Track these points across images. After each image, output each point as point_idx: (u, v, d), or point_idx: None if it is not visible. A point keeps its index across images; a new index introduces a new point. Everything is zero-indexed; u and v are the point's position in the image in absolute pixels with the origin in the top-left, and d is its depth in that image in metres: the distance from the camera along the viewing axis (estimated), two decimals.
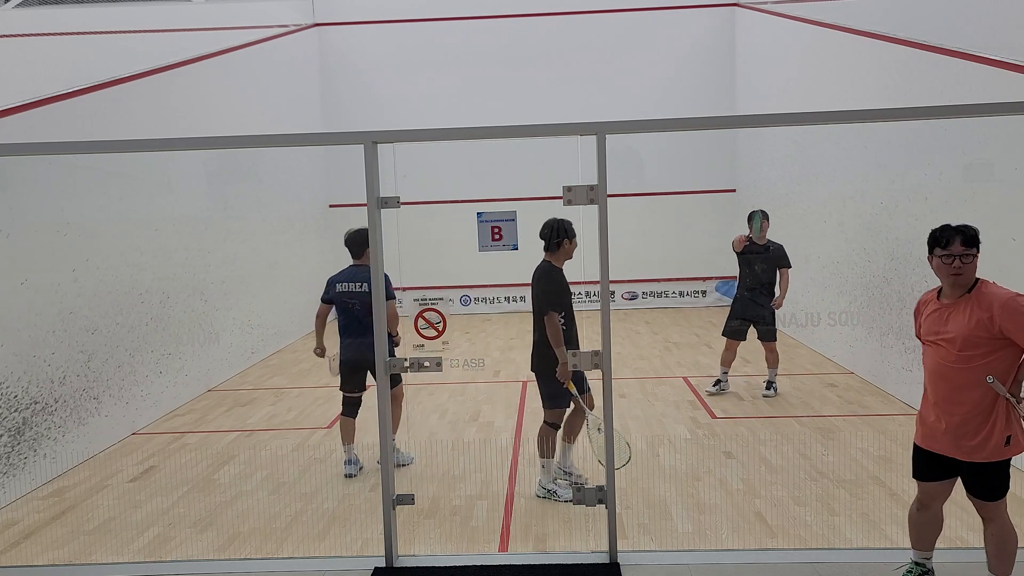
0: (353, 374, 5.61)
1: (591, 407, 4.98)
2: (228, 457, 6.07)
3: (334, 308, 5.62)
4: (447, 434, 6.58)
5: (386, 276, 5.20)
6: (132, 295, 6.89)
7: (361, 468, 5.62)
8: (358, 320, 5.42)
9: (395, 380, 5.43)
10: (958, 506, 4.66)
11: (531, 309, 4.98)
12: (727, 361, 7.56)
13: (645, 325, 11.85)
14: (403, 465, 5.72)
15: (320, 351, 5.74)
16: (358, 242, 5.45)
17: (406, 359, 4.13)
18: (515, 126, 4.36)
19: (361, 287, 5.39)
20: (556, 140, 4.38)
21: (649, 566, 3.98)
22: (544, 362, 4.92)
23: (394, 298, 5.34)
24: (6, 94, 6.16)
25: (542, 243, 5.00)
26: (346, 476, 5.53)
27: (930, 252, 3.37)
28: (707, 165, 13.59)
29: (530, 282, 4.97)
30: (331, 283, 5.55)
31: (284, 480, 5.56)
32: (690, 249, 13.53)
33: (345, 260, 5.62)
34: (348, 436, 5.64)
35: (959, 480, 3.47)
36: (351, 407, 5.67)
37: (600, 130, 3.87)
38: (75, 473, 5.83)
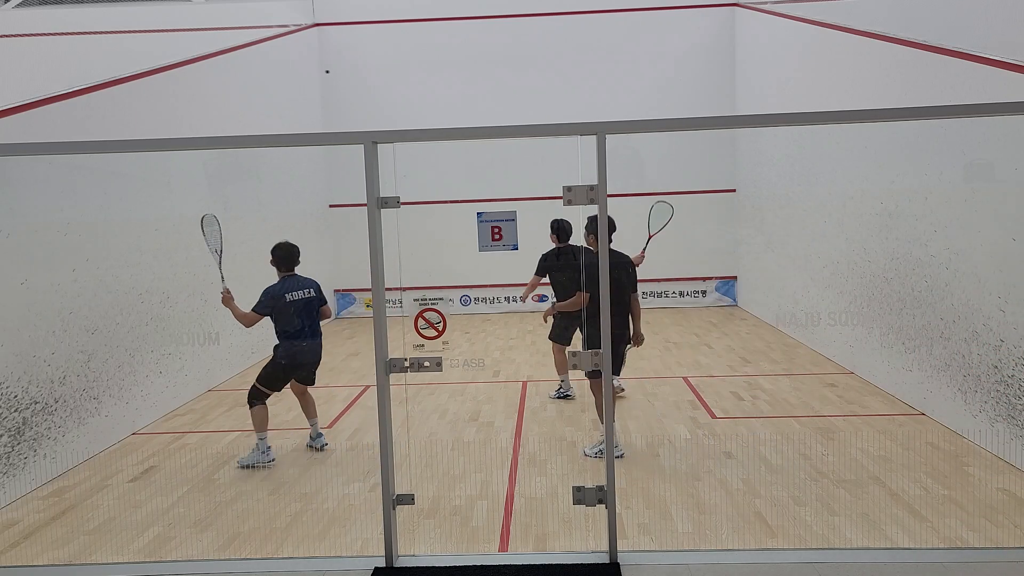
0: (287, 377, 6.03)
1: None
2: (228, 457, 6.07)
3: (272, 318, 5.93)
4: (447, 434, 6.58)
5: (318, 284, 6.17)
6: (132, 295, 6.89)
7: (273, 461, 5.88)
8: (302, 325, 5.95)
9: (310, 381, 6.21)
10: (957, 505, 4.67)
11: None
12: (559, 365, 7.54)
13: (645, 325, 11.82)
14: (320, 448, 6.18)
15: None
16: (291, 257, 6.02)
17: (406, 359, 4.12)
18: (515, 126, 4.35)
19: (308, 293, 6.01)
20: (556, 140, 4.38)
21: (649, 566, 3.98)
22: None
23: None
24: (6, 94, 6.16)
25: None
26: (263, 464, 5.80)
27: None
28: (707, 165, 13.60)
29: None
30: (276, 295, 5.85)
31: (284, 480, 5.56)
32: (690, 249, 13.51)
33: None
34: (265, 424, 5.93)
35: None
36: (262, 398, 5.96)
37: (600, 130, 3.87)
38: (75, 473, 5.83)
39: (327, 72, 5.87)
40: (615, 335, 5.76)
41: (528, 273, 7.16)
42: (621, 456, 5.75)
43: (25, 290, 5.51)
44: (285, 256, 6.01)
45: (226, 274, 5.95)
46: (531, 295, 7.43)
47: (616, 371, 6.20)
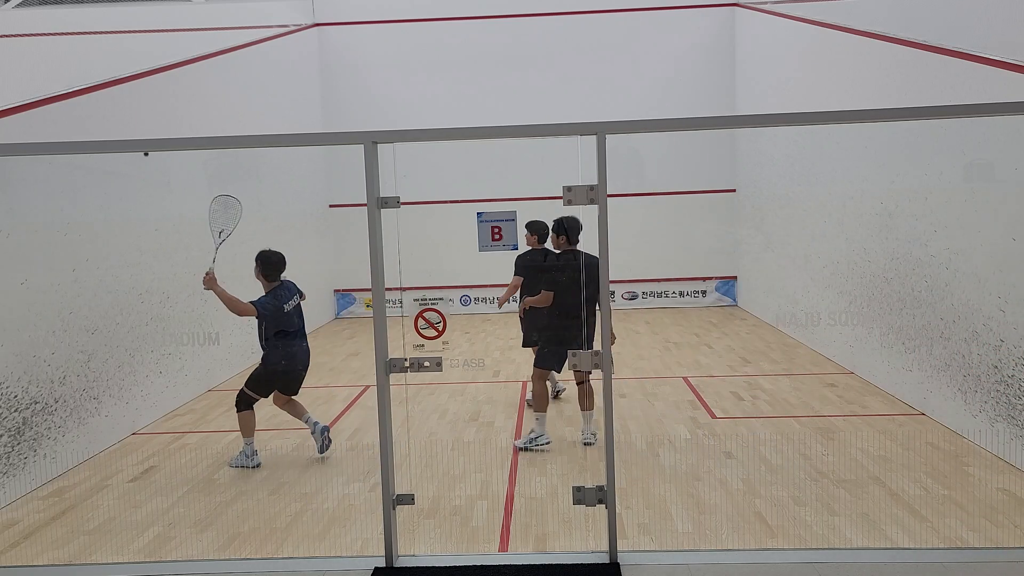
0: (277, 382, 5.95)
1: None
2: (228, 457, 6.07)
3: (263, 323, 5.84)
4: (447, 434, 6.58)
5: (293, 284, 5.99)
6: (132, 295, 6.89)
7: (259, 465, 5.87)
8: (297, 329, 5.95)
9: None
10: (957, 505, 4.67)
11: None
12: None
13: (645, 325, 11.85)
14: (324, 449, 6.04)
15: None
16: (281, 263, 5.89)
17: (406, 359, 4.12)
18: (515, 126, 4.37)
19: (298, 299, 5.99)
20: (556, 140, 4.39)
21: (649, 566, 3.98)
22: None
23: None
24: (6, 94, 6.16)
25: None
26: (249, 467, 5.80)
27: None
28: (707, 165, 13.60)
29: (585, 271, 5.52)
30: (277, 305, 5.77)
31: (284, 480, 5.56)
32: (690, 249, 13.53)
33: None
34: (252, 428, 5.91)
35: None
36: (250, 403, 5.94)
37: (600, 130, 3.87)
38: (75, 473, 5.83)
39: (145, 154, 5.85)
40: (567, 335, 5.89)
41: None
42: (549, 443, 5.99)
43: (25, 290, 5.51)
44: (277, 263, 5.87)
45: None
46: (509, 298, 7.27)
47: (559, 369, 6.29)
